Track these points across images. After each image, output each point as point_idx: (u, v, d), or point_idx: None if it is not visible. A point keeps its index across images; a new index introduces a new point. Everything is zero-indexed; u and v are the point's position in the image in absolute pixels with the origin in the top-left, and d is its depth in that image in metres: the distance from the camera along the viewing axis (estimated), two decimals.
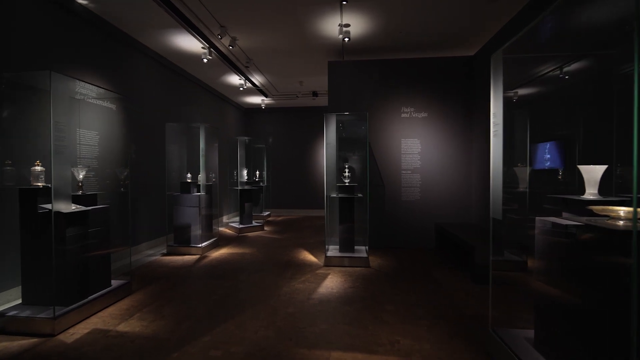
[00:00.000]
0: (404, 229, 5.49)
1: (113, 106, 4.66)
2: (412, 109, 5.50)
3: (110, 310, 3.02)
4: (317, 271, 4.23)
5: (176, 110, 6.31)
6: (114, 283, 3.31)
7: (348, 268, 4.34)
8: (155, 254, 5.11)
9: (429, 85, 5.47)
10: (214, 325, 2.71)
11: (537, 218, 2.01)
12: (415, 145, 5.49)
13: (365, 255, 4.49)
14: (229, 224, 7.52)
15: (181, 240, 5.18)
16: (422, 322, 2.76)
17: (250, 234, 6.83)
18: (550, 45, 2.80)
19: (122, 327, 2.68)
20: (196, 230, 5.15)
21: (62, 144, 2.69)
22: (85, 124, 4.02)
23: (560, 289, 1.86)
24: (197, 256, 5.00)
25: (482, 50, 5.16)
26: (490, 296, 2.37)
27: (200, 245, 5.08)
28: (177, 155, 5.66)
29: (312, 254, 5.16)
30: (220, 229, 7.52)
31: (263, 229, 7.27)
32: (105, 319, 2.83)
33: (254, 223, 7.38)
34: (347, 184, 4.64)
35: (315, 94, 8.44)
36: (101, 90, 4.19)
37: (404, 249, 5.40)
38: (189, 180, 5.26)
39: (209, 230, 5.60)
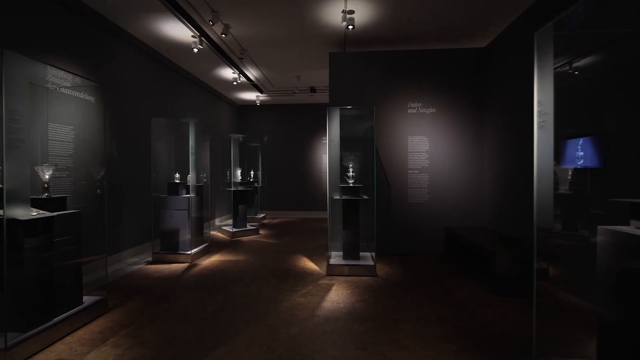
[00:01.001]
0: (411, 233, 5.12)
1: (92, 98, 4.19)
2: (420, 105, 5.13)
3: (80, 333, 2.57)
4: (320, 281, 3.82)
5: (165, 105, 5.84)
6: (87, 300, 2.86)
7: (353, 277, 3.94)
8: (140, 262, 4.64)
9: (437, 79, 5.10)
10: (204, 353, 2.28)
11: (599, 227, 1.64)
12: (422, 143, 5.12)
13: (372, 263, 4.10)
14: (222, 227, 7.06)
15: (168, 246, 4.73)
16: (446, 347, 2.37)
17: (244, 239, 6.39)
18: (602, 24, 2.45)
19: (92, 357, 2.24)
20: (185, 236, 4.70)
21: (18, 137, 2.23)
22: (58, 117, 3.54)
23: (633, 317, 1.49)
24: (186, 264, 4.54)
25: (494, 41, 4.81)
26: (534, 320, 1.99)
27: (189, 252, 4.63)
28: (164, 153, 5.19)
29: (313, 260, 4.75)
30: (212, 232, 7.06)
31: (258, 233, 6.83)
32: (72, 346, 2.38)
33: (249, 226, 6.94)
34: (351, 185, 4.24)
35: (313, 90, 8.03)
36: (77, 79, 3.72)
37: (411, 255, 5.03)
38: (177, 181, 4.80)
39: (199, 235, 5.15)
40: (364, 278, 3.93)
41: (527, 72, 4.13)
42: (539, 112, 1.86)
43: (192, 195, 4.74)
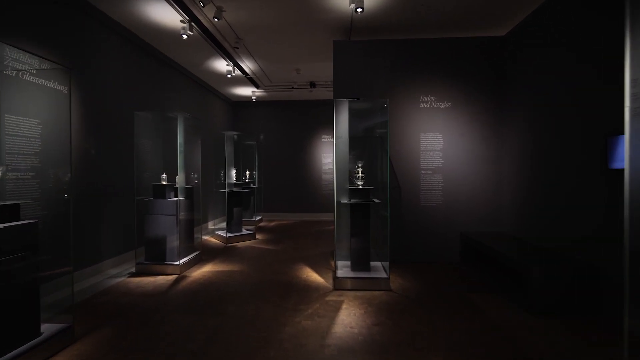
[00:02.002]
0: (424, 239, 4.66)
1: (64, 87, 3.65)
2: (433, 98, 4.68)
3: None
4: (327, 298, 3.33)
5: (151, 100, 5.31)
6: (47, 329, 2.34)
7: (365, 292, 3.47)
8: (122, 274, 4.11)
9: (452, 71, 4.65)
10: None
11: None
12: (436, 141, 4.67)
13: (385, 275, 3.62)
14: (215, 232, 6.54)
15: (154, 256, 4.20)
16: None
17: (239, 244, 5.87)
18: None
19: None
20: (173, 244, 4.18)
21: None
22: (20, 109, 3.01)
23: None
24: (174, 276, 4.03)
25: (516, 29, 4.37)
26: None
27: (178, 263, 4.11)
28: (149, 151, 4.66)
29: (317, 271, 4.27)
30: (205, 237, 6.53)
31: (254, 238, 6.32)
32: None
33: (244, 231, 6.43)
34: (360, 187, 3.77)
35: (312, 84, 7.54)
36: (44, 64, 3.18)
37: (423, 263, 4.57)
38: (164, 183, 4.28)
39: (189, 242, 4.63)
40: (377, 293, 3.46)
41: (553, 62, 3.71)
42: (632, 94, 1.40)
43: (181, 198, 4.22)
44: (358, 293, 3.46)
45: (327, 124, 9.15)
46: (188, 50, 5.47)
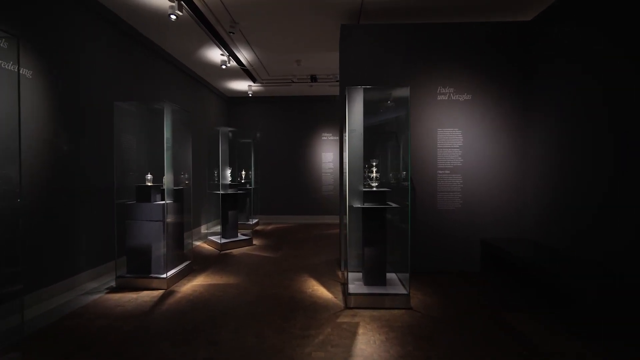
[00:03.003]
0: (441, 246, 4.20)
1: (28, 72, 3.11)
2: (452, 90, 4.21)
3: None
4: (340, 319, 2.84)
5: (135, 92, 4.76)
6: None
7: (382, 312, 2.98)
8: (100, 290, 3.56)
9: (473, 59, 4.19)
10: None
11: None
12: (455, 137, 4.21)
13: (404, 291, 3.14)
14: (209, 237, 6.01)
15: (137, 268, 3.67)
16: None
17: (235, 251, 5.35)
18: None
19: None
20: (159, 254, 3.65)
21: None
22: None
23: None
24: (160, 292, 3.50)
25: (543, 13, 3.93)
26: None
27: (164, 276, 3.59)
28: (133, 148, 4.13)
29: (322, 283, 3.78)
30: (197, 243, 5.99)
31: (251, 243, 5.80)
32: None
33: (240, 236, 5.91)
34: (375, 189, 3.29)
35: (313, 78, 7.04)
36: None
37: (441, 273, 4.11)
38: (149, 184, 3.75)
39: (178, 250, 4.10)
40: (396, 312, 2.98)
41: (586, 50, 3.26)
42: None
43: (168, 201, 3.69)
44: (374, 312, 2.97)
45: (327, 122, 8.66)
46: (178, 35, 4.93)
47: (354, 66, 4.25)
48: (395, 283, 3.40)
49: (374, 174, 3.34)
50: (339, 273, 4.18)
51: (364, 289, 3.20)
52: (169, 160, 3.62)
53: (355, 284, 3.34)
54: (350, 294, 3.09)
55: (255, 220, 7.72)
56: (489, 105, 4.19)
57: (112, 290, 3.55)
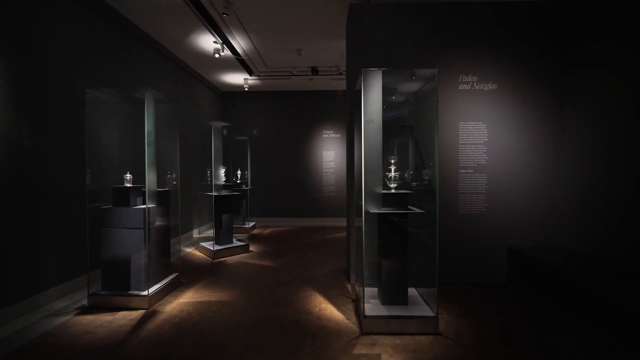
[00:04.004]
0: (463, 255, 3.72)
1: None
2: (475, 78, 3.73)
3: None
4: (356, 350, 2.34)
5: (116, 84, 4.21)
6: None
7: (406, 338, 2.48)
8: (68, 310, 3.02)
9: (499, 43, 3.72)
10: None
11: None
12: (479, 132, 3.73)
13: (430, 313, 2.65)
14: (200, 243, 5.47)
15: (114, 283, 3.13)
16: None
17: (230, 260, 4.82)
18: None
19: None
20: (140, 267, 3.12)
21: None
22: None
23: None
24: (141, 312, 2.96)
25: None
26: None
27: (146, 293, 3.05)
28: (109, 144, 3.59)
29: (331, 299, 3.27)
30: (188, 250, 5.45)
31: (248, 250, 5.28)
32: None
33: (235, 242, 5.38)
34: (394, 191, 2.79)
35: (314, 70, 6.53)
36: None
37: (464, 286, 3.62)
38: (128, 185, 3.21)
39: (163, 261, 3.57)
40: (423, 339, 2.48)
41: (633, 32, 2.76)
42: None
43: (151, 205, 3.16)
44: (397, 340, 2.47)
45: (328, 118, 8.16)
46: (164, 18, 4.39)
47: (363, 52, 3.75)
48: (417, 301, 2.90)
49: (392, 174, 2.84)
50: (348, 286, 3.68)
51: (383, 310, 2.69)
52: (150, 157, 3.09)
53: (371, 303, 2.83)
54: (367, 317, 2.58)
55: (252, 224, 7.19)
56: (518, 95, 3.71)
57: (84, 310, 3.00)
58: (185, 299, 3.28)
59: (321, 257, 4.95)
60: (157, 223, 3.32)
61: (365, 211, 2.60)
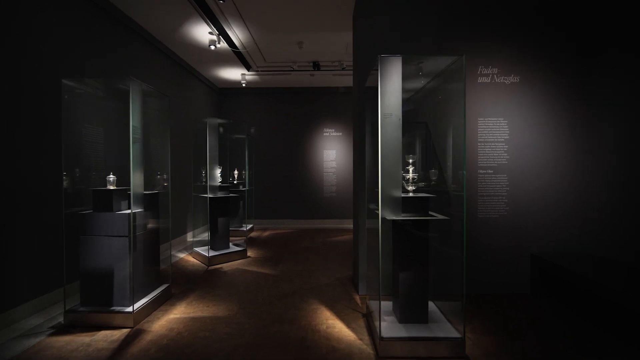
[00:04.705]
0: (482, 263, 3.40)
1: None
2: (496, 71, 3.42)
3: None
4: None
5: (107, 77, 3.84)
6: None
7: None
8: (42, 329, 2.66)
9: (523, 32, 3.41)
10: None
11: None
12: (499, 129, 3.41)
13: (456, 334, 2.32)
14: (195, 248, 5.11)
15: (94, 298, 2.77)
16: None
17: (225, 266, 4.47)
18: None
19: None
20: (124, 279, 2.76)
21: None
22: None
23: None
24: (125, 332, 2.61)
25: None
26: None
27: (131, 310, 2.69)
28: (91, 141, 3.23)
29: (339, 314, 2.94)
30: (181, 255, 5.09)
31: (245, 256, 4.93)
32: None
33: (232, 247, 5.03)
34: (411, 195, 2.46)
35: (316, 65, 6.20)
36: None
37: (486, 297, 3.30)
38: (111, 187, 2.85)
39: (151, 272, 3.21)
40: None
41: None
42: None
43: (137, 210, 2.80)
44: None
45: (329, 116, 7.83)
46: (156, 6, 4.03)
47: (372, 41, 3.42)
48: (437, 317, 2.58)
49: (411, 175, 2.52)
50: (357, 297, 3.35)
51: (401, 330, 2.36)
52: (136, 156, 2.73)
53: (387, 321, 2.50)
54: (383, 339, 2.25)
55: (249, 226, 6.84)
56: (541, 89, 3.40)
57: (59, 329, 2.64)
58: (176, 315, 2.92)
59: (324, 263, 4.61)
60: (145, 230, 2.96)
61: (382, 218, 2.26)
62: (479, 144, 3.42)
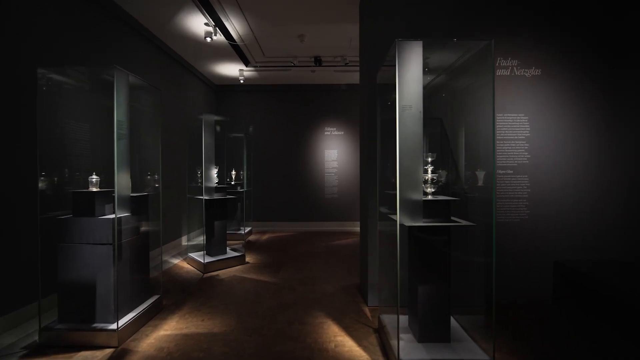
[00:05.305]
0: (502, 269, 3.13)
1: None
2: (515, 63, 3.16)
3: None
4: None
5: (87, 66, 3.54)
6: None
7: None
8: (14, 350, 2.35)
9: (545, 21, 3.15)
10: None
11: None
12: (519, 125, 3.15)
13: (482, 355, 2.05)
14: (189, 254, 4.80)
15: (75, 314, 2.47)
16: None
17: (222, 274, 4.18)
18: None
19: None
20: (107, 292, 2.46)
21: None
22: None
23: None
24: (108, 352, 2.31)
25: None
26: None
27: (115, 327, 2.40)
28: (77, 138, 2.93)
29: (347, 329, 2.65)
30: (174, 261, 4.79)
31: (244, 262, 4.64)
32: None
33: (229, 252, 4.74)
34: (431, 197, 2.19)
35: (318, 60, 5.92)
36: None
37: (505, 307, 3.03)
38: (94, 189, 2.55)
39: (139, 282, 2.91)
40: None
41: None
42: None
43: (123, 214, 2.51)
44: None
45: (330, 114, 7.56)
46: None
47: (380, 31, 3.15)
48: (460, 336, 2.30)
49: (429, 175, 2.25)
50: (366, 310, 3.07)
51: (421, 351, 2.09)
52: (122, 154, 2.44)
53: (405, 340, 2.22)
54: None
55: (248, 229, 6.54)
56: (566, 82, 3.15)
57: (33, 350, 2.34)
58: (167, 331, 2.63)
59: (328, 270, 4.33)
60: (132, 236, 2.67)
61: (400, 224, 1.99)
62: (497, 141, 3.16)
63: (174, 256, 5.07)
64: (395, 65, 1.96)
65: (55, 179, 2.60)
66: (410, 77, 2.00)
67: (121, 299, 2.49)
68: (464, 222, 2.15)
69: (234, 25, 4.67)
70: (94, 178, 2.55)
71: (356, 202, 7.36)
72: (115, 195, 2.38)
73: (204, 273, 4.18)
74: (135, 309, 2.71)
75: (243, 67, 6.34)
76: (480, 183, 2.47)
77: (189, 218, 5.91)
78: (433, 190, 2.26)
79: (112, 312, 2.44)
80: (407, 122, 2.00)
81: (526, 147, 3.15)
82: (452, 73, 2.55)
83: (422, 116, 2.01)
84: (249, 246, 5.76)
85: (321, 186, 7.54)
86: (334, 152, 7.53)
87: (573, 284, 3.05)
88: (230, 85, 7.51)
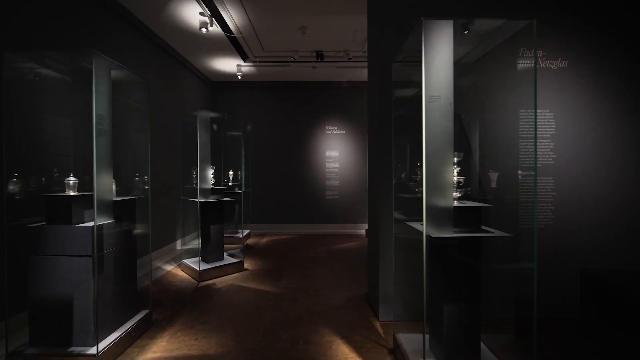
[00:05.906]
0: (526, 278, 2.86)
1: None
2: (540, 53, 2.90)
3: None
4: None
5: (68, 58, 3.22)
6: None
7: None
8: None
9: (571, 8, 2.89)
10: None
11: None
12: (544, 122, 2.89)
13: None
14: (184, 260, 4.49)
15: (49, 336, 2.16)
16: None
17: (219, 282, 3.88)
18: None
19: None
20: (86, 311, 2.16)
21: None
22: None
23: None
24: None
25: None
26: None
27: (95, 352, 2.09)
28: (55, 135, 2.62)
29: (359, 351, 2.37)
30: (169, 268, 4.47)
31: (242, 269, 4.33)
32: None
33: (226, 258, 4.43)
34: (458, 204, 1.91)
35: (319, 55, 5.63)
36: None
37: (527, 321, 2.76)
38: (71, 193, 2.24)
39: (124, 299, 2.60)
40: None
41: None
42: None
43: (104, 221, 2.20)
44: None
45: (332, 113, 7.27)
46: None
47: (389, 19, 2.86)
48: (486, 356, 2.03)
49: (456, 178, 1.97)
50: (377, 325, 2.78)
51: None
52: (103, 152, 2.14)
53: None
54: None
55: (246, 232, 6.23)
56: (596, 76, 2.89)
57: None
58: (156, 353, 2.33)
59: (332, 277, 4.04)
60: (116, 245, 2.36)
61: (427, 236, 1.70)
62: (520, 140, 2.88)
63: (168, 262, 4.75)
64: (421, 50, 1.68)
65: (27, 181, 2.29)
66: (438, 62, 1.71)
67: (103, 318, 2.19)
68: (498, 232, 1.87)
69: (232, 16, 4.36)
70: (72, 180, 2.24)
71: (358, 204, 7.08)
72: (95, 199, 2.07)
73: (199, 282, 3.88)
74: (120, 328, 2.40)
75: (241, 62, 6.04)
76: (513, 185, 2.19)
77: (183, 221, 5.59)
78: (459, 195, 1.98)
79: (92, 334, 2.13)
80: (434, 116, 1.71)
81: (551, 147, 2.89)
82: (481, 59, 2.27)
83: (452, 109, 1.73)
84: (248, 250, 5.45)
85: (322, 187, 7.25)
86: (335, 152, 7.25)
87: (602, 294, 2.79)
88: (227, 81, 7.20)
